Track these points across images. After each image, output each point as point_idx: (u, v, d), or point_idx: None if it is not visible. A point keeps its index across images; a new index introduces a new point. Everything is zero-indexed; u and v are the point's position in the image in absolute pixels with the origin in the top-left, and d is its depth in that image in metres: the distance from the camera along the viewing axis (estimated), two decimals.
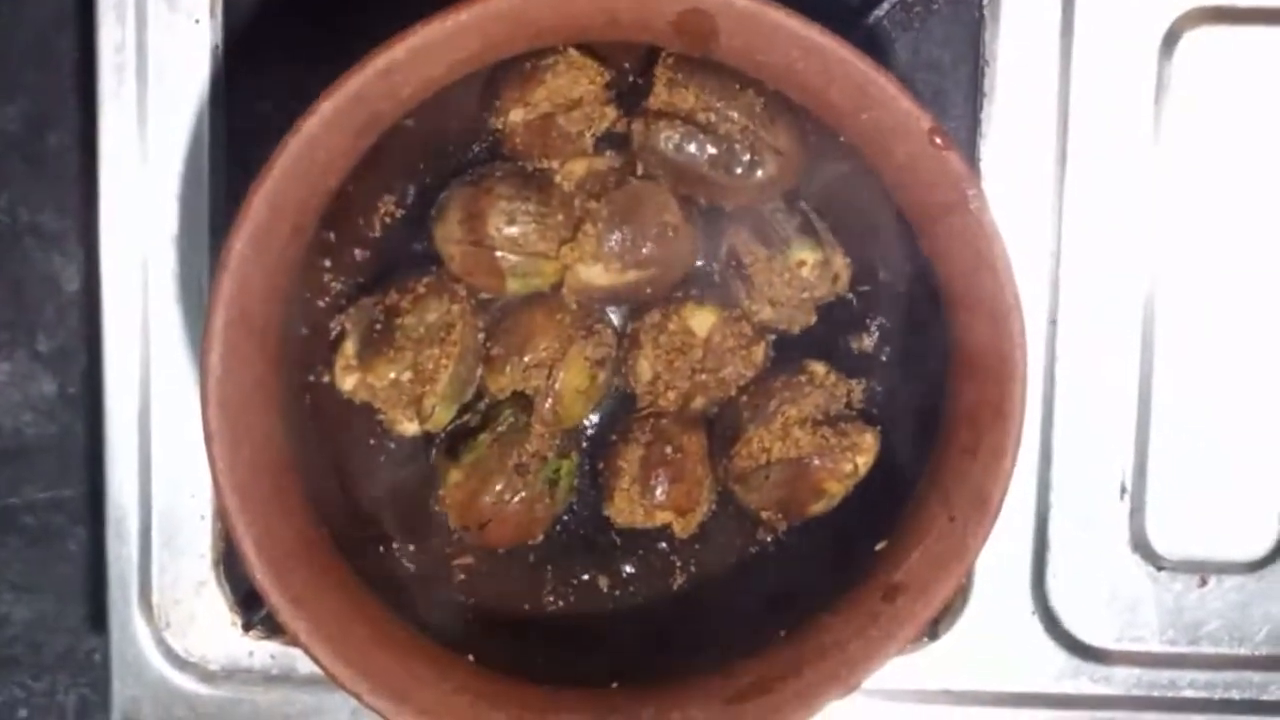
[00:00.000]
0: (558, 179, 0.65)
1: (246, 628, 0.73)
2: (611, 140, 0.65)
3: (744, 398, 0.66)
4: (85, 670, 0.78)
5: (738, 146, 0.63)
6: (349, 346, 0.65)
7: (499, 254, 0.64)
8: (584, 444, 0.69)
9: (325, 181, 0.60)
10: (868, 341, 0.67)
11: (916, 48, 0.71)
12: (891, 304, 0.66)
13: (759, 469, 0.65)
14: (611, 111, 0.64)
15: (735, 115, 0.62)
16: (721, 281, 0.66)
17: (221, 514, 0.63)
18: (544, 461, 0.66)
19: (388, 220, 0.67)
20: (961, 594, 0.71)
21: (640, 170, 0.64)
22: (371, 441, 0.67)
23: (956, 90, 0.71)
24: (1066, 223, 0.70)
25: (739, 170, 0.63)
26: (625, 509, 0.66)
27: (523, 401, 0.66)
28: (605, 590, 0.69)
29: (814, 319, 0.66)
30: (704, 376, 0.66)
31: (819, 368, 0.65)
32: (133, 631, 0.73)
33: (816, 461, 0.64)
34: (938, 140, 0.58)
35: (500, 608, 0.68)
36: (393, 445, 0.67)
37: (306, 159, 0.58)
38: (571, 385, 0.66)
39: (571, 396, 0.66)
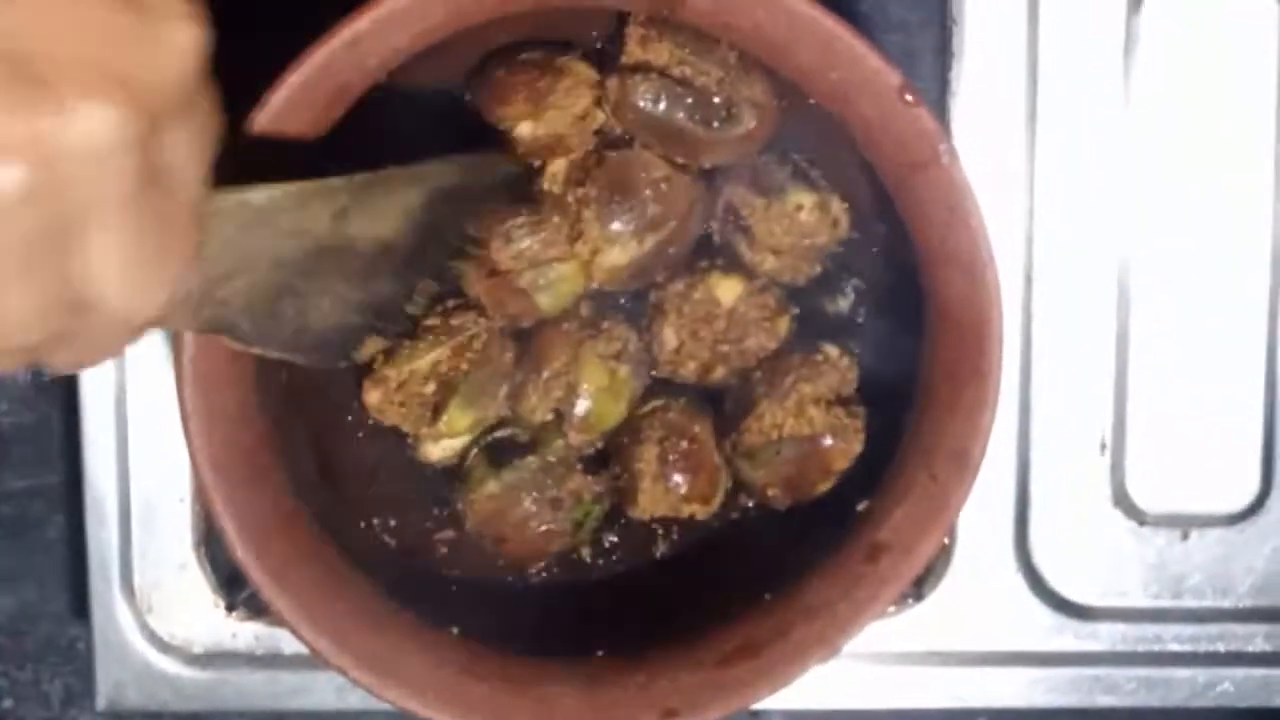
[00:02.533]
0: (545, 186, 0.64)
1: (230, 609, 0.72)
2: None
3: (759, 372, 0.65)
4: (69, 658, 0.77)
5: (715, 100, 0.62)
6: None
7: (514, 275, 0.63)
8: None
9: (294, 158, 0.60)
10: (844, 303, 0.66)
11: (884, 9, 0.71)
12: (867, 264, 0.66)
13: (769, 445, 0.64)
14: (599, 114, 0.64)
15: (711, 69, 0.62)
16: (722, 240, 0.66)
17: (200, 493, 0.63)
18: (578, 502, 0.66)
19: None
20: (945, 554, 0.71)
21: (620, 130, 0.64)
22: (349, 418, 0.67)
23: (925, 51, 0.70)
24: (1039, 179, 0.70)
25: (717, 124, 0.63)
26: (649, 507, 0.66)
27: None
28: (588, 560, 0.68)
29: (818, 269, 0.66)
30: (725, 348, 0.65)
31: (833, 350, 0.65)
32: (115, 617, 0.72)
33: (829, 441, 0.63)
34: (907, 97, 0.57)
35: (483, 580, 0.68)
36: (370, 421, 0.67)
37: (274, 135, 0.58)
38: (593, 385, 0.65)
39: (599, 399, 0.65)
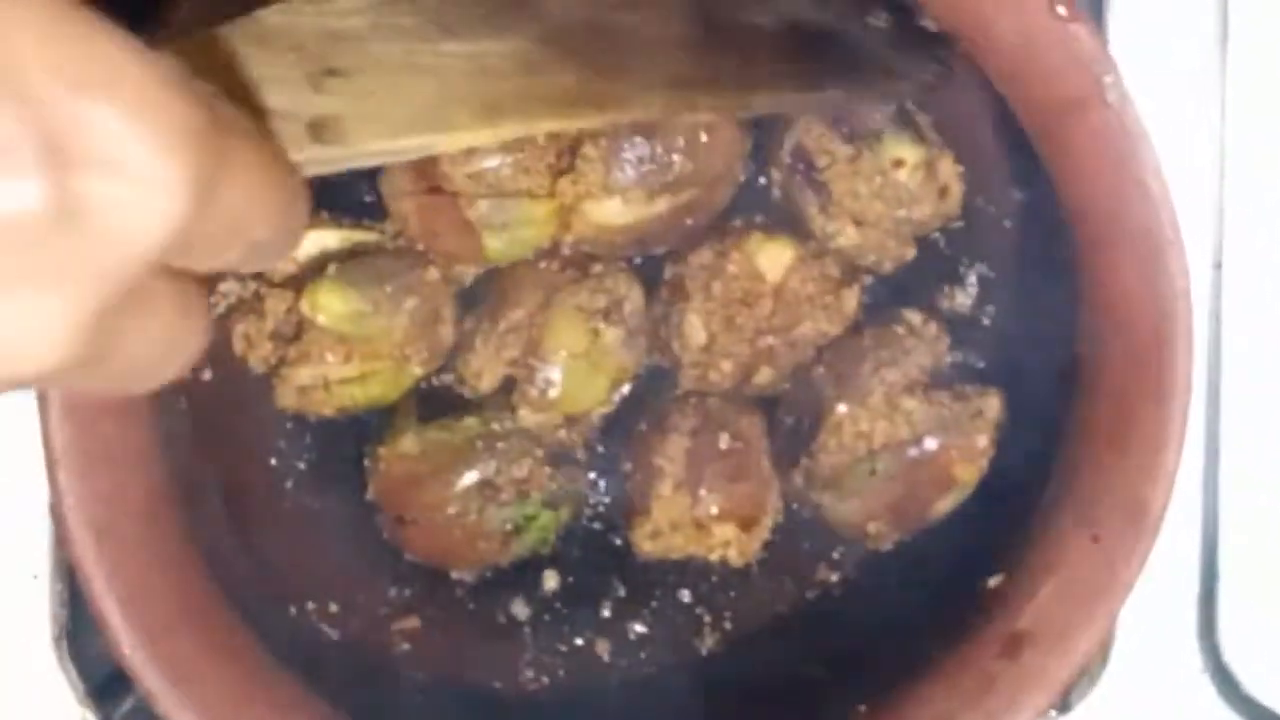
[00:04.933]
0: None
1: None
2: None
3: (820, 368, 0.64)
4: None
5: None
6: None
7: (463, 199, 0.62)
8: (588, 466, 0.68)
9: None
10: (962, 298, 0.67)
11: None
12: (996, 243, 0.66)
13: (859, 463, 0.63)
14: None
15: None
16: (784, 194, 0.65)
17: (74, 566, 0.62)
18: (524, 498, 0.64)
19: None
20: (1102, 648, 0.71)
21: None
22: (273, 461, 0.67)
23: None
24: (1232, 128, 0.70)
25: None
26: (665, 529, 0.65)
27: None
28: (606, 659, 0.69)
29: (912, 253, 0.65)
30: (771, 340, 0.64)
31: (914, 316, 0.64)
32: None
33: (939, 440, 0.63)
34: (1059, 10, 0.57)
35: (460, 686, 0.68)
36: (302, 465, 0.66)
37: None
38: (563, 347, 0.64)
39: (569, 368, 0.64)
